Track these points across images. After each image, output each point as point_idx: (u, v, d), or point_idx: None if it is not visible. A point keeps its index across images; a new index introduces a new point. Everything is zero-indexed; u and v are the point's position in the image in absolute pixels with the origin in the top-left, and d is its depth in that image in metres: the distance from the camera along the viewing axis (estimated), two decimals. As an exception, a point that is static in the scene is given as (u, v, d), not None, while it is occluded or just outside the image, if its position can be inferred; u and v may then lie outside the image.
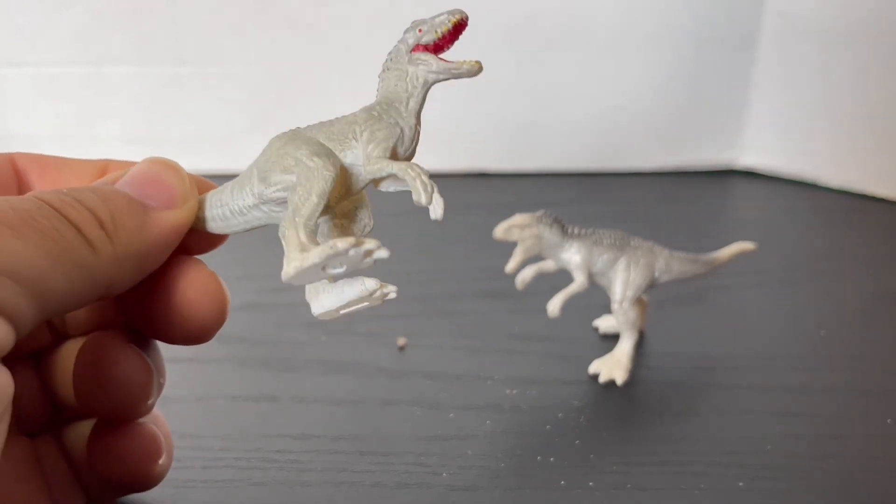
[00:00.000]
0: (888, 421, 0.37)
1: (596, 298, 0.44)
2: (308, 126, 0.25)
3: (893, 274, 0.55)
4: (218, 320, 0.25)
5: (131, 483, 0.27)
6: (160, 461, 0.27)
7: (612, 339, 0.43)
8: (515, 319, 0.46)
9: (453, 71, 0.25)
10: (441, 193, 0.23)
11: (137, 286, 0.24)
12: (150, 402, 0.26)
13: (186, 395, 0.37)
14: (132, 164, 0.25)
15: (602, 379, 0.40)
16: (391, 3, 0.69)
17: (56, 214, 0.21)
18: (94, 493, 0.27)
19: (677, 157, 0.76)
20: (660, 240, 0.43)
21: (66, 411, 0.28)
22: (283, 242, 0.24)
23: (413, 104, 0.25)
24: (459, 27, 0.25)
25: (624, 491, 0.32)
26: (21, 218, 0.20)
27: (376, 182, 0.25)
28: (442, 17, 0.25)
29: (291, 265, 0.23)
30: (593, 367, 0.41)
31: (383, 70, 0.26)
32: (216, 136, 0.72)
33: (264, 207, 0.25)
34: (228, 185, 0.25)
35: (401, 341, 0.43)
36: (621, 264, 0.41)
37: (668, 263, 0.42)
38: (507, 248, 0.41)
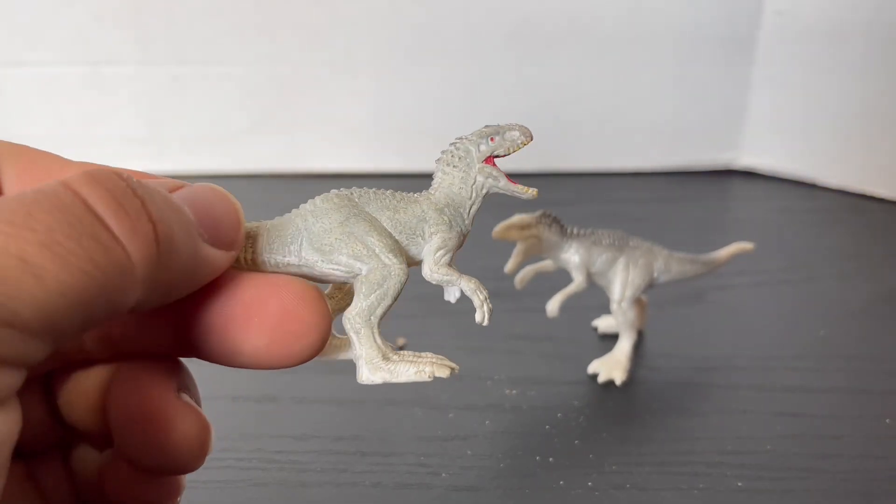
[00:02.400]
0: (887, 421, 0.37)
1: (595, 298, 0.44)
2: (363, 194, 0.25)
3: (892, 274, 0.55)
4: (324, 327, 0.22)
5: None
6: (180, 497, 0.24)
7: (611, 339, 0.43)
8: (515, 319, 0.46)
9: (514, 193, 0.26)
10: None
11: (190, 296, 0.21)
12: (203, 459, 0.23)
13: (187, 396, 0.37)
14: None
15: (601, 379, 0.40)
16: (391, 3, 0.69)
17: (97, 221, 0.17)
18: None
19: (676, 157, 0.76)
20: (659, 240, 0.43)
21: (73, 434, 0.24)
22: (354, 338, 0.24)
23: (473, 210, 0.26)
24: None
25: (623, 491, 0.32)
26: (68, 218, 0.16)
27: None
28: (515, 135, 0.26)
29: (377, 375, 0.24)
30: (592, 368, 0.41)
31: (447, 164, 0.26)
32: (216, 136, 0.72)
33: (305, 269, 0.25)
34: (267, 231, 0.24)
35: (401, 341, 0.43)
36: (620, 264, 0.41)
37: (667, 263, 0.42)
38: (507, 248, 0.41)
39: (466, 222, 0.26)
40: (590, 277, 0.41)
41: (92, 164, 0.23)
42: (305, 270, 0.24)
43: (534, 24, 0.70)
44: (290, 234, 0.24)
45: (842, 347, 0.44)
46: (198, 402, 0.24)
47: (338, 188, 0.25)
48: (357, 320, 0.24)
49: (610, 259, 0.41)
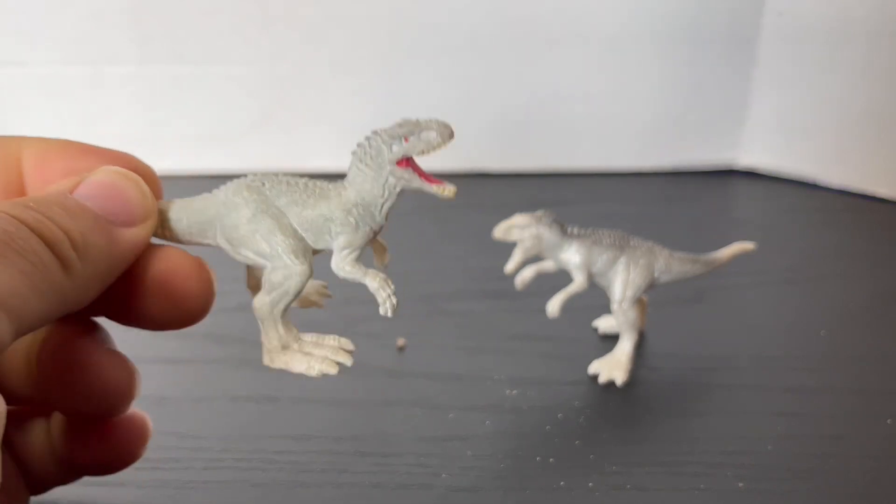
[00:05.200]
0: (888, 421, 0.37)
1: (596, 299, 0.44)
2: (275, 185, 0.26)
3: (894, 274, 0.55)
4: (207, 293, 0.25)
5: (117, 467, 0.27)
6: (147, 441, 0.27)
7: (611, 339, 0.43)
8: (515, 320, 0.46)
9: (430, 191, 0.26)
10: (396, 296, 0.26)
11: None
12: (133, 401, 0.26)
13: (186, 396, 0.37)
14: (90, 159, 0.25)
15: (602, 379, 0.40)
16: (392, 2, 0.69)
17: (33, 236, 0.20)
18: (51, 480, 0.27)
19: (677, 156, 0.76)
20: (660, 240, 0.43)
21: (14, 402, 0.26)
22: (259, 322, 0.26)
23: (386, 207, 0.26)
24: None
25: (623, 491, 0.32)
26: (2, 241, 0.19)
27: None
28: (432, 136, 0.25)
29: (276, 363, 0.26)
30: (593, 368, 0.41)
31: (360, 160, 0.26)
32: (216, 136, 0.72)
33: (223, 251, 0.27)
34: (191, 205, 0.26)
35: (400, 341, 0.43)
36: (621, 264, 0.41)
37: (668, 263, 0.42)
38: (507, 248, 0.41)
39: (378, 219, 0.26)
40: (590, 278, 0.41)
41: (114, 150, 0.26)
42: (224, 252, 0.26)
43: (534, 24, 0.70)
44: (208, 220, 0.26)
45: (843, 347, 0.44)
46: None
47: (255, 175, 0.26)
48: (261, 312, 0.26)
49: (610, 259, 0.41)
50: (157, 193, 0.26)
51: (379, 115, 0.74)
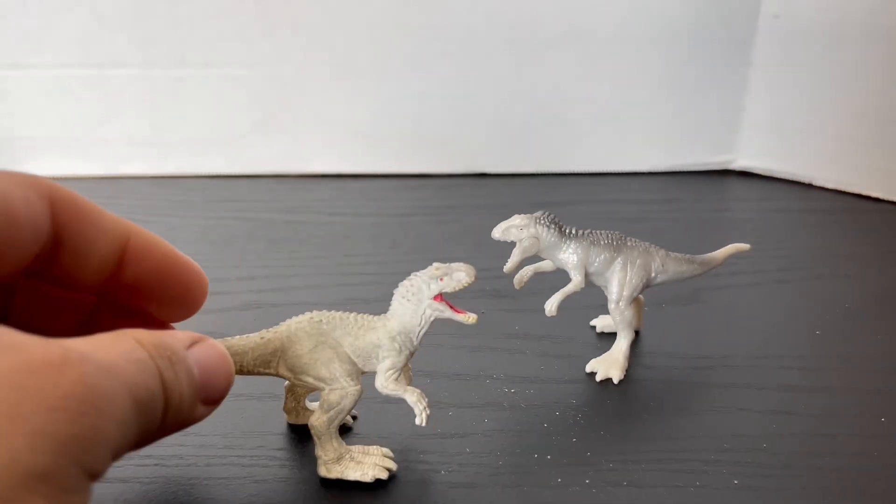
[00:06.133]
0: (882, 419, 0.37)
1: (593, 298, 0.44)
2: (330, 319, 0.32)
3: (887, 274, 0.56)
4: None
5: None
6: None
7: (608, 338, 0.44)
8: (514, 319, 0.47)
9: (457, 319, 0.32)
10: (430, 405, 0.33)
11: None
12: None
13: (189, 394, 0.38)
14: (147, 234, 0.27)
15: (599, 377, 0.40)
16: (392, 6, 0.69)
17: (160, 389, 0.21)
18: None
19: (674, 158, 0.76)
20: (656, 240, 0.43)
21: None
22: (315, 437, 0.32)
23: (422, 333, 0.32)
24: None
25: (620, 488, 0.32)
26: (140, 381, 0.20)
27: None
28: (461, 276, 0.31)
29: (332, 473, 0.32)
30: (590, 366, 0.41)
31: (402, 296, 0.32)
32: (219, 138, 0.72)
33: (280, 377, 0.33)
34: (253, 340, 0.32)
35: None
36: (618, 264, 0.41)
37: (665, 263, 0.42)
38: (506, 248, 0.41)
39: (415, 343, 0.32)
40: (588, 277, 0.41)
41: (123, 223, 0.27)
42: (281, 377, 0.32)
43: (533, 27, 0.71)
44: (271, 352, 0.32)
45: (837, 346, 0.45)
46: None
47: (312, 310, 0.32)
48: (319, 429, 0.31)
49: (608, 259, 0.41)
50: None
51: (379, 118, 0.74)
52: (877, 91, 0.67)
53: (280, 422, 0.36)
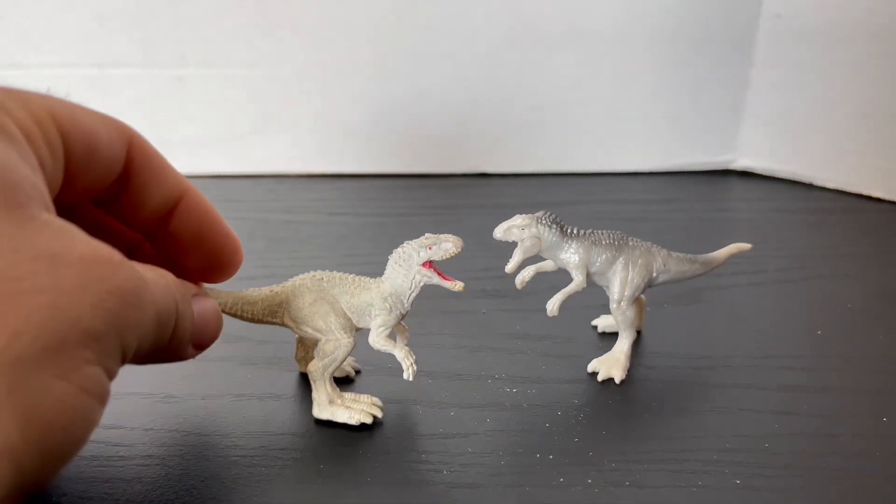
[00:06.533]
0: (884, 419, 0.37)
1: (594, 298, 0.44)
2: (331, 278, 0.36)
3: (888, 274, 0.56)
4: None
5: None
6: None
7: (610, 338, 0.44)
8: (515, 319, 0.47)
9: (445, 286, 0.35)
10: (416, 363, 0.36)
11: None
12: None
13: (191, 394, 0.38)
14: (201, 196, 0.32)
15: (600, 377, 0.40)
16: (392, 5, 0.69)
17: (174, 316, 0.27)
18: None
19: (675, 158, 0.76)
20: (657, 240, 0.43)
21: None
22: (312, 382, 0.36)
23: (412, 296, 0.35)
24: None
25: (622, 488, 0.32)
26: (163, 303, 0.26)
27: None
28: (448, 245, 0.35)
29: (323, 414, 0.35)
30: (592, 366, 0.41)
31: (395, 262, 0.35)
32: (219, 138, 0.72)
33: (285, 326, 0.37)
34: (263, 292, 0.36)
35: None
36: (619, 264, 0.41)
37: (666, 263, 0.42)
38: (507, 248, 0.41)
39: (406, 306, 0.36)
40: (589, 277, 0.41)
41: (183, 178, 0.33)
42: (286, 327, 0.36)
43: (533, 27, 0.71)
44: (278, 304, 0.36)
45: (838, 346, 0.45)
46: None
47: (314, 270, 0.36)
48: (315, 374, 0.35)
49: (609, 259, 0.41)
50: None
51: (379, 118, 0.75)
52: (878, 91, 0.67)
53: (281, 422, 0.36)
